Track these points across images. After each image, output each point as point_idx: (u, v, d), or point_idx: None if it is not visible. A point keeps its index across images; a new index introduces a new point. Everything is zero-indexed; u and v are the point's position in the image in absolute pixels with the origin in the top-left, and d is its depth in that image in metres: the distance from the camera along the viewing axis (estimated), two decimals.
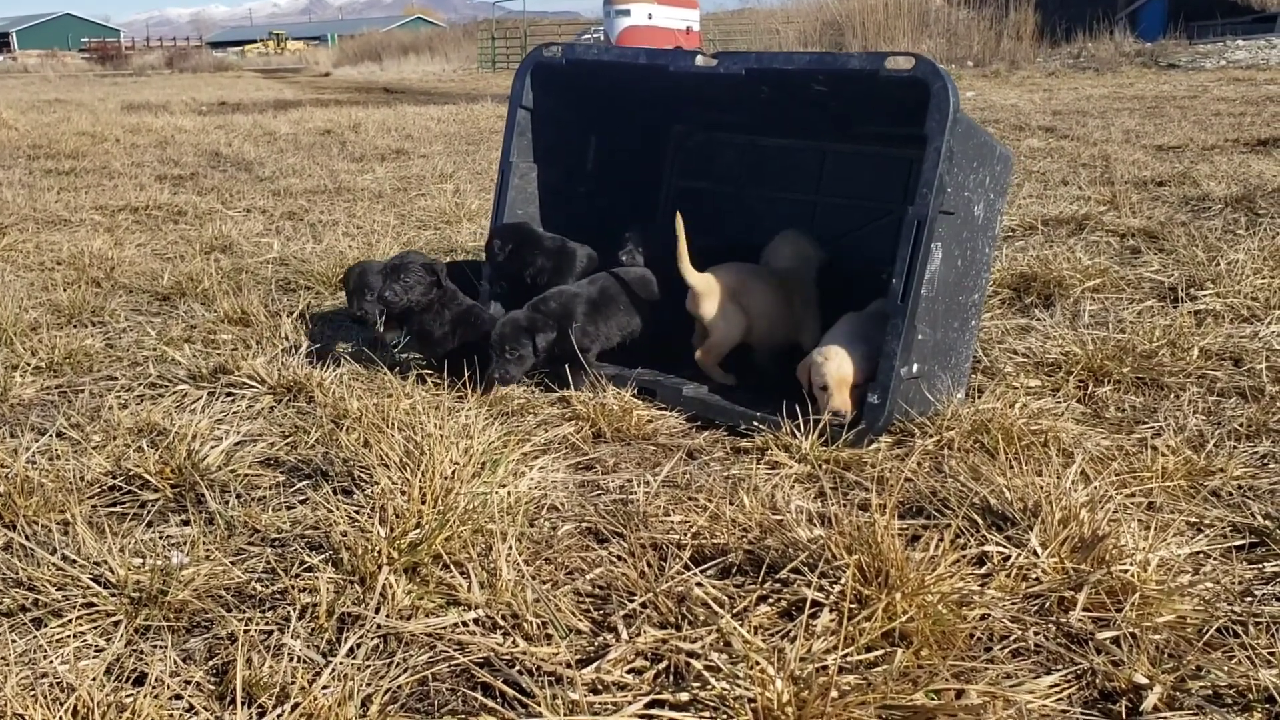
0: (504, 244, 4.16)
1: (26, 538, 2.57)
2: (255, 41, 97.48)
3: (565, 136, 4.42)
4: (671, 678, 2.05)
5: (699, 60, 3.70)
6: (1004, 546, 2.47)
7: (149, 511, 2.81)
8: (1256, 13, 25.90)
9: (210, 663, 2.14)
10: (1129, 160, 8.71)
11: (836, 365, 3.33)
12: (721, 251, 4.02)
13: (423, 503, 2.58)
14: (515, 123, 4.19)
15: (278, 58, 76.83)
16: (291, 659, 2.08)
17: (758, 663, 1.96)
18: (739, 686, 1.94)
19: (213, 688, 2.03)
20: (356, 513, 2.62)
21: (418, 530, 2.48)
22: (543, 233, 4.26)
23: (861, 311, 3.65)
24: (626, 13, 28.56)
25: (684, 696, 1.96)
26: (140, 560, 2.46)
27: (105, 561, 2.40)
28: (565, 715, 1.91)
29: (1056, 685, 2.04)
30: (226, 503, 2.82)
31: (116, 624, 2.24)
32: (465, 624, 2.25)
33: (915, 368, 3.26)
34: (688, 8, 30.32)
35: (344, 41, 64.90)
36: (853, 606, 2.17)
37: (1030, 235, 6.18)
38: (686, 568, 2.45)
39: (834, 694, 1.88)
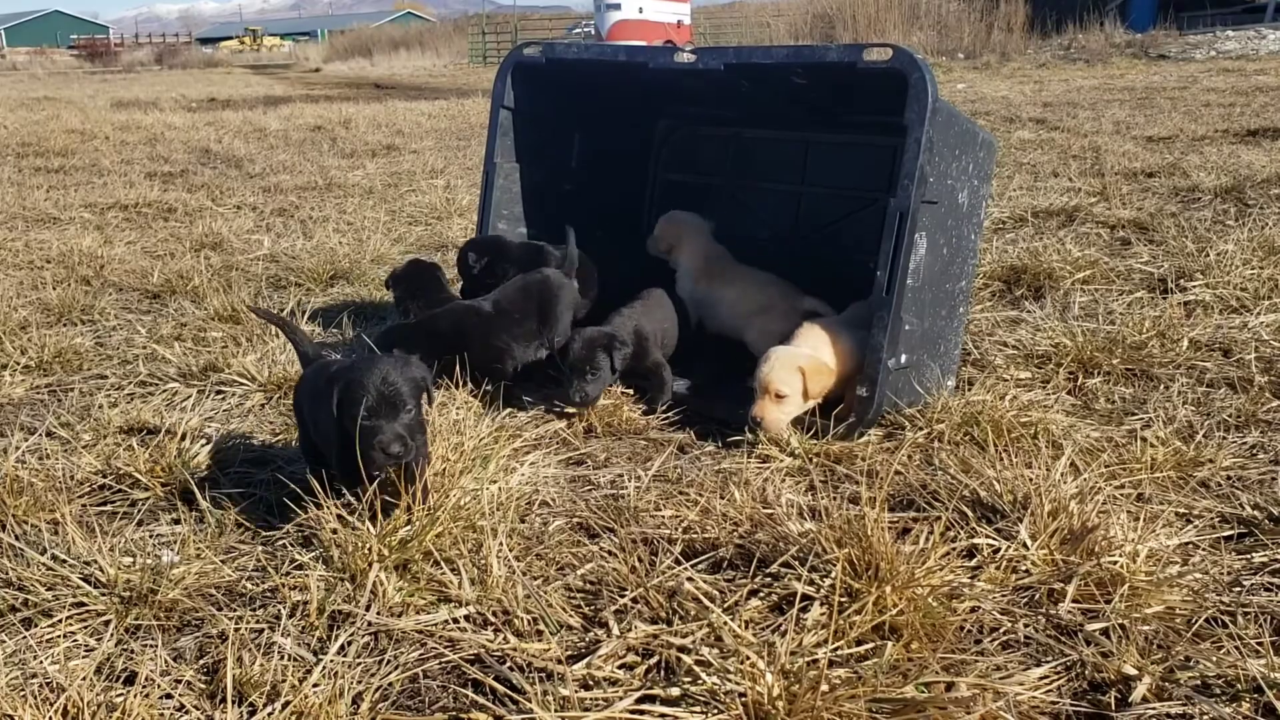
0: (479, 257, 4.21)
1: (16, 538, 2.57)
2: (231, 38, 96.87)
3: (549, 135, 4.41)
4: (662, 673, 2.06)
5: (679, 56, 3.70)
6: (994, 539, 2.48)
7: (139, 510, 2.80)
8: (1246, 2, 25.89)
9: (201, 661, 2.14)
10: (1119, 151, 8.72)
11: (767, 370, 3.22)
12: None
13: (413, 499, 2.58)
14: (498, 123, 4.19)
15: (254, 54, 77.01)
16: (282, 657, 2.08)
17: (748, 657, 1.97)
18: (730, 681, 1.95)
19: (203, 686, 2.03)
20: (348, 511, 2.61)
21: (408, 527, 2.48)
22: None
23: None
24: (617, 7, 28.48)
25: (675, 691, 1.97)
26: (130, 559, 2.46)
27: (95, 561, 2.40)
28: (556, 711, 1.91)
29: (1046, 677, 2.05)
30: (217, 501, 2.82)
31: (107, 623, 2.24)
32: (456, 621, 2.25)
33: (903, 358, 3.26)
34: (679, 1, 30.26)
35: (334, 37, 64.66)
36: (843, 600, 2.17)
37: (1020, 227, 6.19)
38: (677, 562, 2.45)
39: (824, 688, 1.88)
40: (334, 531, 2.48)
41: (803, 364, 3.22)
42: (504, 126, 4.22)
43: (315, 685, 1.98)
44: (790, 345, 3.35)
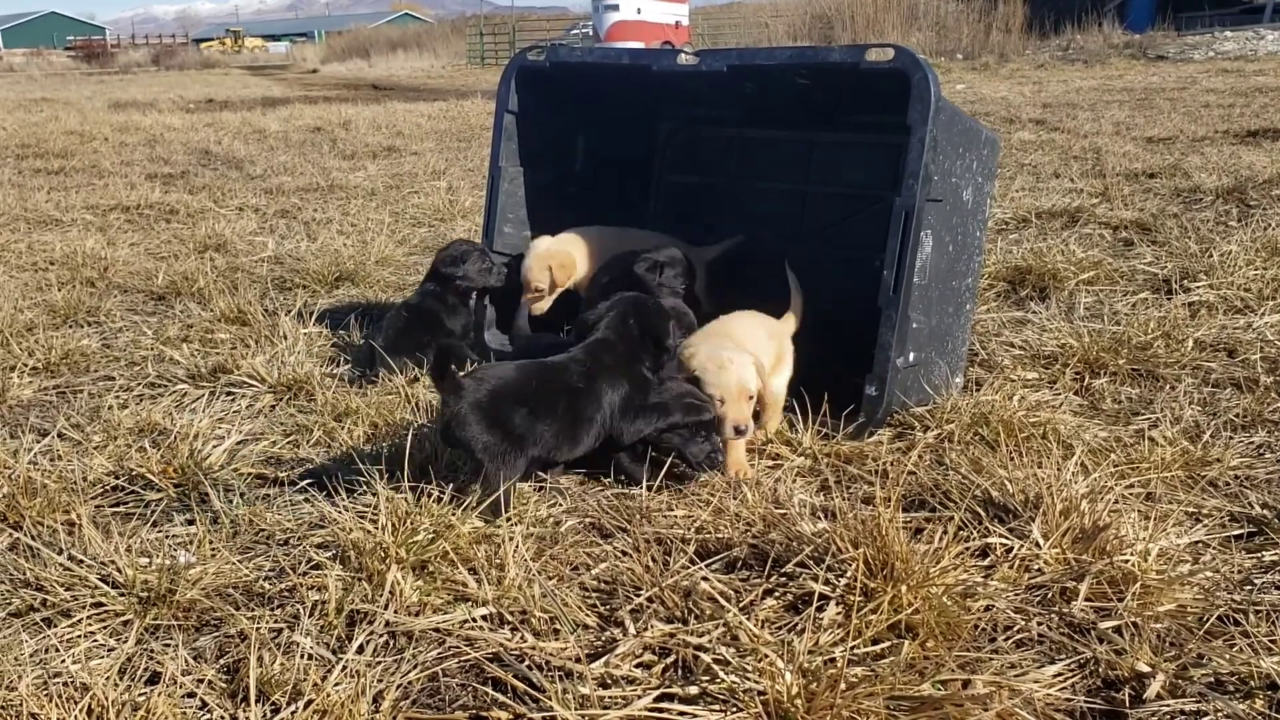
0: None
1: (33, 538, 2.58)
2: (212, 40, 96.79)
3: (553, 138, 4.43)
4: (680, 671, 2.07)
5: (681, 59, 3.71)
6: (1006, 538, 2.49)
7: (153, 511, 2.81)
8: (1244, 3, 25.94)
9: (221, 661, 2.15)
10: (1120, 152, 8.74)
11: (736, 374, 2.97)
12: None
13: (429, 498, 2.59)
14: (502, 128, 4.21)
15: (236, 55, 77.66)
16: (302, 656, 2.09)
17: (766, 655, 1.98)
18: (748, 679, 1.96)
19: (224, 686, 2.05)
20: (362, 512, 2.63)
21: (427, 529, 2.49)
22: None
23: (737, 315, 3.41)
24: (615, 8, 28.52)
25: (693, 690, 1.98)
26: (147, 560, 2.47)
27: (113, 561, 2.41)
28: (576, 709, 1.92)
29: (1060, 674, 2.06)
30: (231, 502, 2.83)
31: (126, 623, 2.25)
32: (474, 620, 2.26)
33: (912, 356, 3.29)
34: (677, 2, 30.29)
35: (331, 38, 64.69)
36: (859, 600, 2.19)
37: (1024, 228, 6.21)
38: (692, 562, 2.46)
39: (842, 686, 1.90)
40: (350, 532, 2.49)
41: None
42: (508, 131, 4.24)
43: (336, 684, 1.99)
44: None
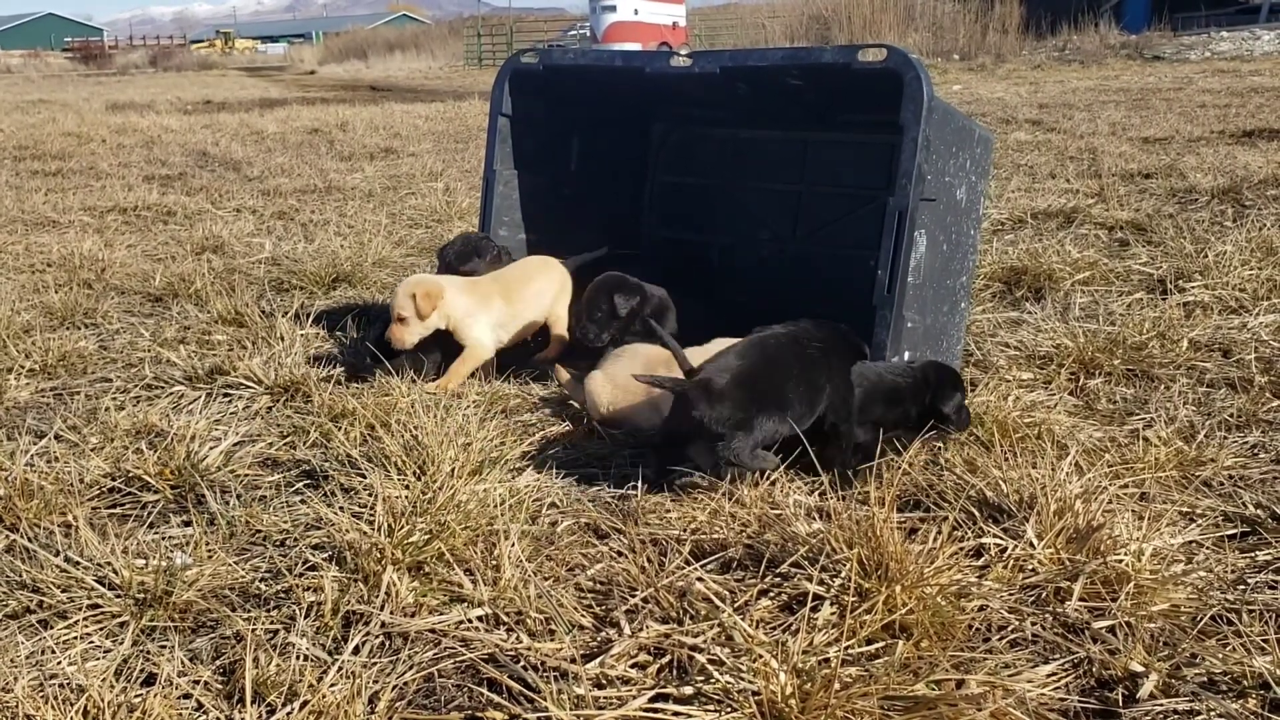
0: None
1: (29, 540, 2.58)
2: (202, 41, 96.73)
3: (548, 140, 4.44)
4: (675, 672, 2.07)
5: (674, 61, 3.72)
6: (1001, 538, 2.50)
7: (150, 513, 2.82)
8: (1240, 4, 26.00)
9: (217, 662, 2.15)
10: (1116, 153, 8.76)
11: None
12: None
13: (424, 498, 2.60)
14: (496, 131, 4.22)
15: (227, 56, 77.99)
16: (298, 657, 2.10)
17: (760, 656, 1.99)
18: (743, 680, 1.97)
19: (221, 687, 2.05)
20: (358, 513, 2.63)
21: (423, 530, 2.49)
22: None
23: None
24: (613, 8, 28.56)
25: (688, 690, 1.98)
26: (143, 561, 2.47)
27: (109, 563, 2.41)
28: (572, 710, 1.93)
29: (1054, 674, 2.07)
30: (227, 503, 2.83)
31: (123, 625, 2.25)
32: (469, 621, 2.27)
33: (907, 355, 3.30)
34: (674, 3, 30.33)
35: (329, 39, 64.72)
36: (853, 600, 2.19)
37: (1020, 229, 6.22)
38: (687, 563, 2.47)
39: (837, 686, 1.90)
40: (346, 533, 2.50)
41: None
42: (503, 134, 4.25)
43: (332, 685, 2.00)
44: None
